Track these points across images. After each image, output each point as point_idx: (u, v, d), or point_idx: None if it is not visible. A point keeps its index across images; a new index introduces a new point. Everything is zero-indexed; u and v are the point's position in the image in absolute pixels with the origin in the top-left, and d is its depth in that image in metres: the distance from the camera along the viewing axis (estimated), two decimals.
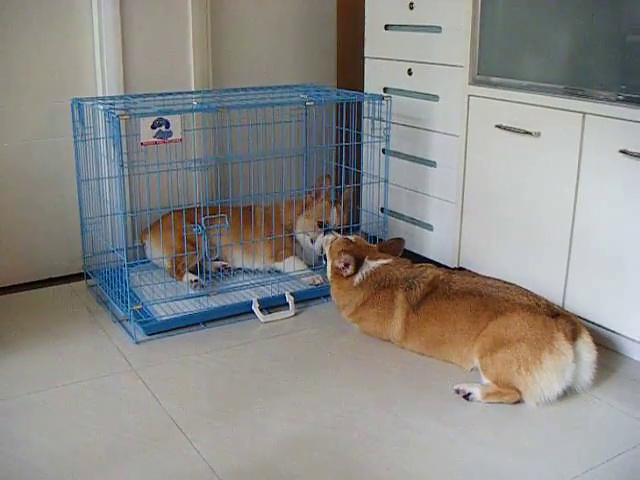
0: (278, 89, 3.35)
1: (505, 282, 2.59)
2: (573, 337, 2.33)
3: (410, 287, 2.65)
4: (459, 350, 2.51)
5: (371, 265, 2.76)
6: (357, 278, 2.75)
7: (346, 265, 2.74)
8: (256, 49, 3.61)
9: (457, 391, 2.37)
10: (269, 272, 3.24)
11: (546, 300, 2.47)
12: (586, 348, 2.35)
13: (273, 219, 3.19)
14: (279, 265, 3.23)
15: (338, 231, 3.03)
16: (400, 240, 2.95)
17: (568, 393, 2.34)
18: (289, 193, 3.22)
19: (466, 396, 2.35)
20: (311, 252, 3.32)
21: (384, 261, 2.78)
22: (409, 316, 2.62)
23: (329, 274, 2.86)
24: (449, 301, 2.56)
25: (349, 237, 2.88)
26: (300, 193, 3.28)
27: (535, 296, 2.48)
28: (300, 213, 3.27)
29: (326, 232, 2.99)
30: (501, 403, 2.32)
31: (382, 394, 2.39)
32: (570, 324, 2.36)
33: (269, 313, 2.94)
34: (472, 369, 2.49)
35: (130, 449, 2.09)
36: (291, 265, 3.19)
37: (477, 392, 2.35)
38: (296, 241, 3.28)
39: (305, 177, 3.27)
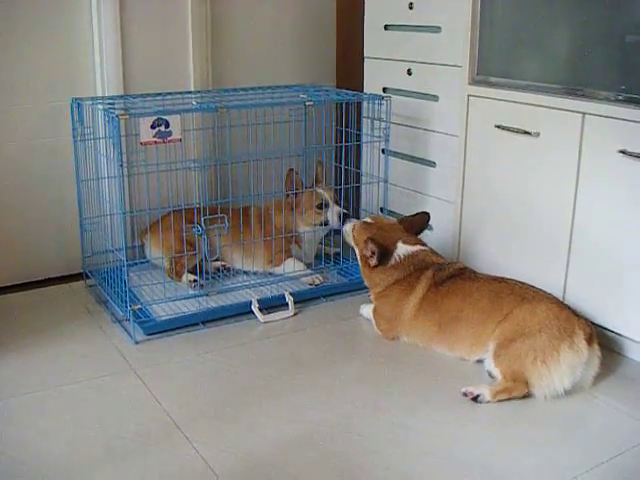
0: (278, 89, 3.35)
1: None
2: (589, 341, 2.35)
3: (440, 269, 2.70)
4: (474, 330, 2.50)
5: (408, 249, 2.78)
6: (392, 260, 2.77)
7: (372, 254, 2.75)
8: (256, 49, 3.60)
9: (465, 394, 2.35)
10: (269, 273, 3.23)
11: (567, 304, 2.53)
12: (596, 359, 2.38)
13: (263, 222, 3.17)
14: (278, 270, 3.21)
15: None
16: (425, 214, 2.96)
17: (567, 392, 2.34)
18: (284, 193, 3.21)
19: (475, 398, 2.33)
20: (316, 247, 3.33)
21: (421, 247, 2.82)
22: (429, 291, 2.64)
23: (359, 260, 2.88)
24: (473, 282, 2.61)
25: (367, 219, 2.91)
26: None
27: (556, 297, 2.54)
28: (294, 214, 3.21)
29: (345, 221, 3.03)
30: (510, 399, 2.32)
31: (381, 394, 2.39)
32: (589, 328, 2.40)
33: (268, 313, 2.93)
34: (477, 360, 2.50)
35: (129, 449, 2.09)
36: (290, 267, 3.18)
37: (486, 392, 2.33)
38: (296, 241, 3.26)
39: (305, 177, 3.26)
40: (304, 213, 3.20)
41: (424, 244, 2.85)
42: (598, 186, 2.55)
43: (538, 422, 2.25)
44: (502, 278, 2.64)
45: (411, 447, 2.11)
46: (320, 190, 3.21)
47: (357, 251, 2.88)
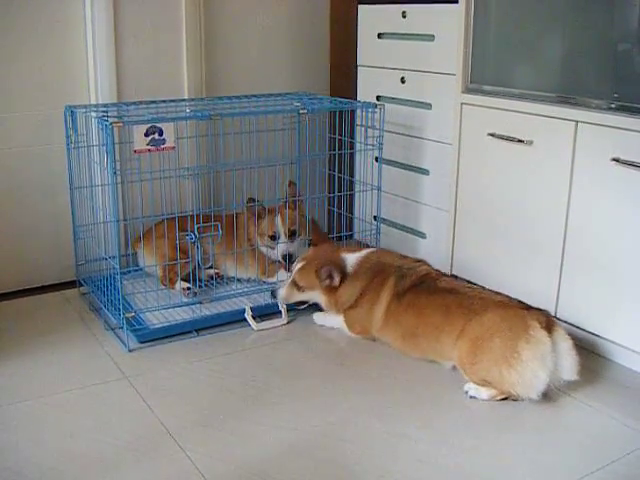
0: (271, 97, 3.35)
1: (484, 288, 2.67)
2: (548, 328, 2.35)
3: (402, 276, 2.70)
4: (432, 346, 2.54)
5: (356, 255, 2.82)
6: (350, 270, 2.78)
7: (329, 276, 2.76)
8: (249, 57, 3.61)
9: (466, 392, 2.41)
10: (263, 281, 3.22)
11: (519, 300, 2.51)
12: (561, 337, 2.37)
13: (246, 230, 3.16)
14: (272, 280, 3.20)
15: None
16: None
17: (556, 396, 2.37)
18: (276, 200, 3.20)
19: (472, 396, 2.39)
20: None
21: (368, 250, 2.87)
22: (392, 303, 2.66)
23: (322, 299, 2.85)
24: (428, 296, 2.60)
25: (298, 264, 2.87)
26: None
27: (508, 296, 2.53)
28: (254, 229, 3.17)
29: (291, 259, 3.03)
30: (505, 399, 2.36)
31: (374, 402, 2.39)
32: (543, 316, 2.39)
33: (262, 321, 2.93)
34: (453, 367, 2.52)
35: (122, 457, 2.08)
36: (283, 278, 3.17)
37: (484, 394, 2.38)
38: None
39: (298, 185, 3.26)
40: (260, 235, 3.15)
41: (363, 249, 2.89)
42: (591, 194, 2.55)
43: (531, 429, 2.25)
44: (455, 288, 2.61)
45: (405, 455, 2.11)
46: (279, 220, 3.11)
47: (315, 294, 2.85)
